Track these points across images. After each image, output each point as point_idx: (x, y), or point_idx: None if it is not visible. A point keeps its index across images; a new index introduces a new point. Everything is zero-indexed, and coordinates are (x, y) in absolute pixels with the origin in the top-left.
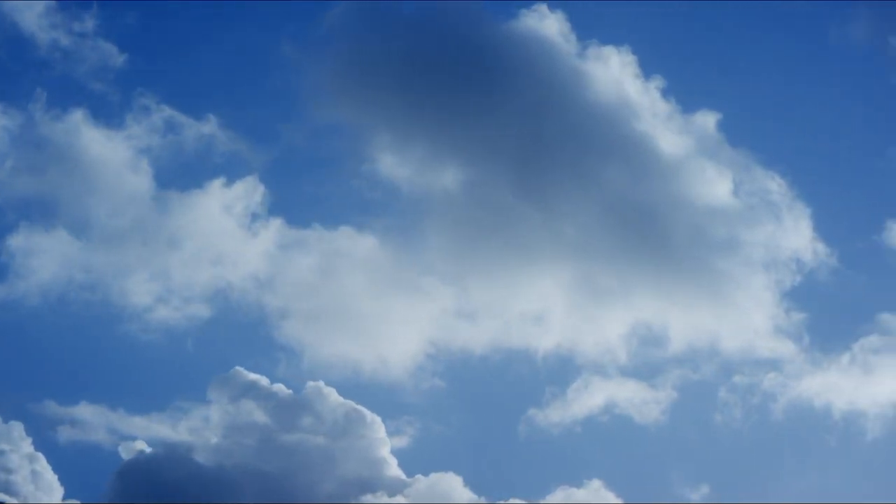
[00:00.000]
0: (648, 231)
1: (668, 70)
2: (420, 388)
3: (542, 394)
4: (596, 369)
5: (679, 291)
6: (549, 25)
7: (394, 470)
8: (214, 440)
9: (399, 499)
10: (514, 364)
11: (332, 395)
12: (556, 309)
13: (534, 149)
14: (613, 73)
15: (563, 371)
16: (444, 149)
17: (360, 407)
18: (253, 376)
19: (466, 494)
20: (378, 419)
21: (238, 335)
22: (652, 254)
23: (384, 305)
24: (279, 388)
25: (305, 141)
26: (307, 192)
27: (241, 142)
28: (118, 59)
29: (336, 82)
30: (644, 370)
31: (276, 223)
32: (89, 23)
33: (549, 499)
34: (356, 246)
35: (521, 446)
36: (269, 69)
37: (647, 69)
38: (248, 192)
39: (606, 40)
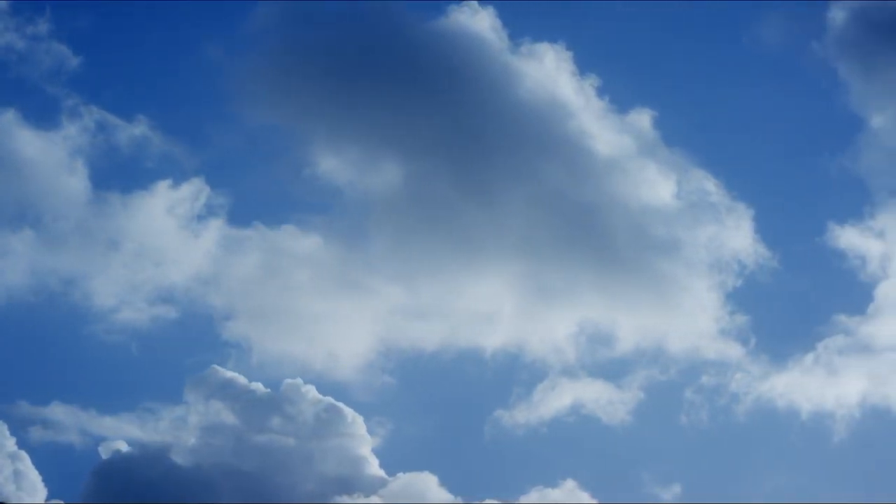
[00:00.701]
0: (590, 231)
1: (603, 68)
2: (372, 387)
3: (492, 392)
4: (546, 369)
5: (624, 291)
6: (480, 22)
7: (374, 468)
8: (191, 439)
9: (374, 499)
10: (465, 363)
11: (311, 392)
12: (505, 308)
13: (470, 146)
14: (548, 71)
15: (512, 369)
16: (382, 147)
17: (339, 404)
18: (229, 374)
19: (442, 494)
20: (359, 418)
21: (184, 335)
22: (595, 254)
23: (331, 304)
24: (257, 386)
25: (239, 142)
26: (246, 192)
27: (175, 143)
28: (47, 59)
29: (265, 83)
30: (595, 370)
31: (218, 223)
32: (10, 22)
33: (524, 499)
34: (300, 245)
35: (488, 446)
36: (195, 70)
37: (583, 67)
38: (187, 193)
39: (540, 37)
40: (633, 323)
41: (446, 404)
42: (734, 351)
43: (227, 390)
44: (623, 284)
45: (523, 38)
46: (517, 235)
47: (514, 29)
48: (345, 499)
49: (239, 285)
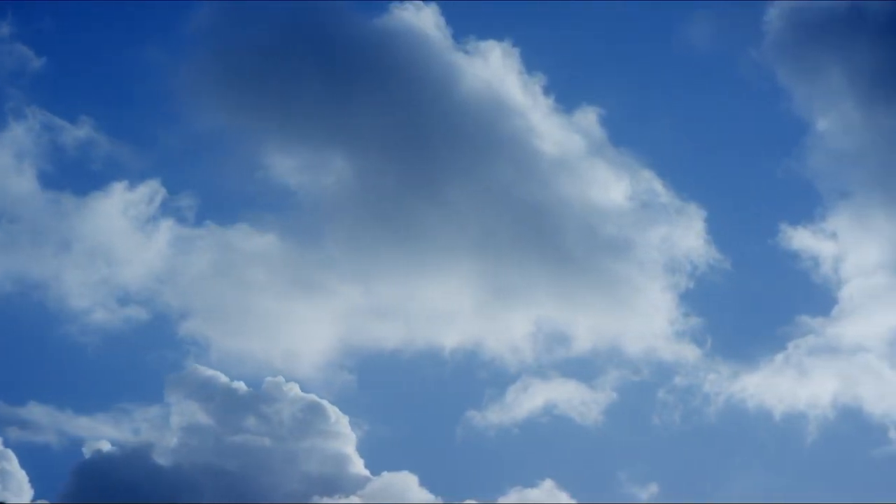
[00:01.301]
0: (542, 230)
1: (549, 67)
2: (333, 386)
3: (458, 391)
4: (506, 368)
5: (579, 292)
6: (424, 20)
7: (358, 468)
8: (172, 439)
9: (354, 499)
10: (425, 362)
11: (294, 390)
12: (462, 306)
13: (418, 145)
14: (494, 69)
15: (472, 368)
16: (330, 145)
17: (322, 401)
18: (210, 373)
19: (423, 494)
20: (344, 417)
21: (144, 335)
22: (549, 254)
23: (288, 303)
24: (239, 385)
25: (186, 142)
26: (196, 192)
27: (121, 144)
28: None
29: (210, 83)
30: (555, 369)
31: (169, 224)
32: None
33: (503, 499)
34: (255, 244)
35: (460, 446)
36: (137, 72)
37: (529, 65)
38: (138, 194)
39: (485, 36)
40: (589, 323)
41: (413, 404)
42: (690, 352)
43: (207, 389)
44: (577, 284)
45: (468, 37)
46: (470, 234)
47: (459, 27)
48: (325, 499)
49: (195, 285)
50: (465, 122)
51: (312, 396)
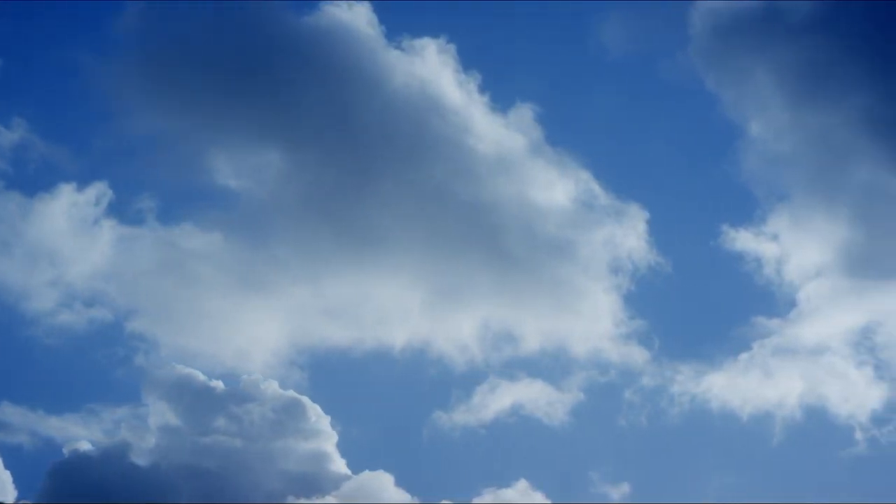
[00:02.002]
0: (484, 230)
1: (484, 65)
2: (286, 385)
3: (407, 390)
4: (453, 368)
5: (523, 292)
6: (356, 18)
7: (337, 466)
8: (149, 438)
9: (329, 498)
10: (375, 361)
11: (272, 387)
12: (410, 306)
13: (355, 143)
14: (429, 66)
15: (421, 367)
16: (268, 144)
17: (302, 397)
18: (186, 371)
19: (400, 494)
20: (326, 418)
21: (91, 336)
22: (492, 254)
23: (237, 302)
24: (216, 383)
25: (123, 143)
26: (134, 193)
27: (56, 147)
28: None
29: (142, 83)
30: (504, 370)
31: (111, 224)
32: None
33: (477, 500)
34: (200, 243)
35: (426, 446)
36: (68, 73)
37: (465, 63)
38: (78, 196)
39: (419, 33)
40: (535, 323)
41: (369, 403)
42: (638, 353)
43: (183, 388)
44: (522, 285)
45: (402, 35)
46: (413, 233)
47: (392, 25)
48: (301, 499)
49: (143, 285)
50: (400, 119)
51: (291, 393)
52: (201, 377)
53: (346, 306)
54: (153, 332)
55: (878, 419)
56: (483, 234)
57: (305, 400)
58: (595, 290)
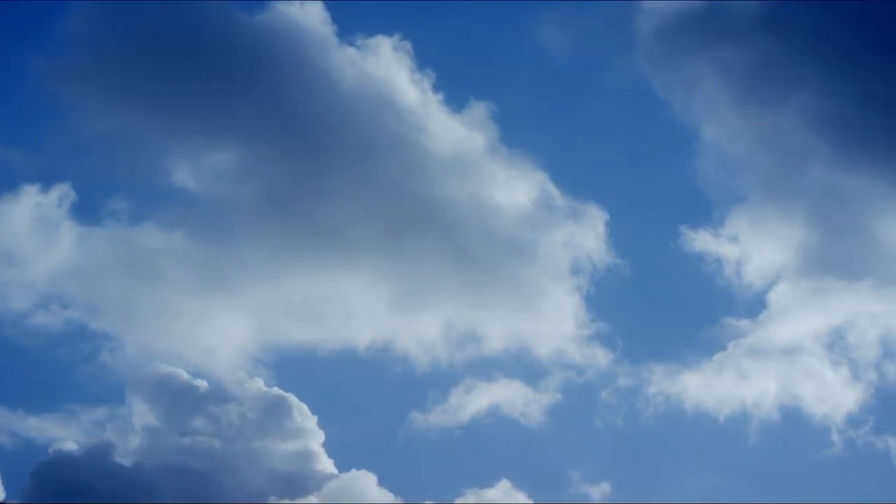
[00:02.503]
0: (443, 230)
1: (439, 63)
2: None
3: (377, 389)
4: (414, 366)
5: (485, 292)
6: (308, 17)
7: (323, 465)
8: (133, 438)
9: (311, 498)
10: (341, 361)
11: (257, 385)
12: (374, 305)
13: (311, 142)
14: (383, 65)
15: (385, 365)
16: (225, 144)
17: (288, 394)
18: (169, 370)
19: (384, 494)
20: (313, 418)
21: (55, 336)
22: (452, 254)
23: (201, 301)
24: (200, 382)
25: (77, 144)
26: (99, 194)
27: (15, 150)
28: None
29: (92, 85)
30: (468, 370)
31: (70, 225)
32: None
33: (460, 500)
34: (162, 242)
35: (401, 446)
36: (14, 74)
37: (420, 62)
38: (36, 197)
39: (373, 32)
40: (498, 324)
41: (345, 403)
42: (602, 354)
43: (167, 387)
44: (483, 285)
45: (355, 33)
46: (372, 232)
47: (345, 23)
48: (285, 500)
49: (105, 284)
50: (353, 117)
51: (276, 391)
52: (185, 376)
53: (310, 304)
54: (118, 331)
55: (854, 420)
56: (443, 234)
57: (292, 398)
58: (557, 290)
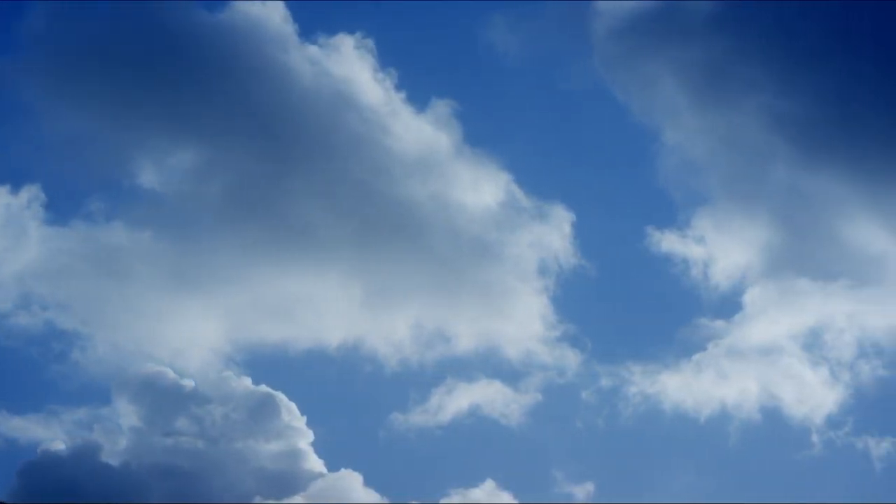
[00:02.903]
0: (408, 230)
1: (402, 63)
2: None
3: (351, 388)
4: (383, 364)
5: (454, 293)
6: (269, 14)
7: (312, 463)
8: (120, 438)
9: (297, 498)
10: (314, 359)
11: (244, 384)
12: (345, 304)
13: (274, 140)
14: (345, 64)
15: (356, 362)
16: (190, 143)
17: (276, 392)
18: (155, 369)
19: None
20: (302, 418)
21: (24, 336)
22: (418, 254)
23: (171, 300)
24: (187, 382)
25: (39, 144)
26: (66, 194)
27: None
28: None
29: (53, 86)
30: (439, 370)
31: (36, 225)
32: None
33: (445, 500)
34: (131, 242)
35: (382, 447)
36: None
37: (383, 61)
38: (6, 198)
39: (335, 30)
40: (467, 324)
41: (316, 402)
42: (571, 355)
43: (153, 386)
44: (452, 285)
45: (317, 32)
46: (338, 232)
47: (306, 22)
48: (270, 499)
49: (75, 284)
50: (314, 116)
51: (266, 388)
52: (171, 375)
53: (282, 303)
54: (89, 331)
55: (834, 421)
56: (410, 234)
57: (280, 396)
58: (524, 291)
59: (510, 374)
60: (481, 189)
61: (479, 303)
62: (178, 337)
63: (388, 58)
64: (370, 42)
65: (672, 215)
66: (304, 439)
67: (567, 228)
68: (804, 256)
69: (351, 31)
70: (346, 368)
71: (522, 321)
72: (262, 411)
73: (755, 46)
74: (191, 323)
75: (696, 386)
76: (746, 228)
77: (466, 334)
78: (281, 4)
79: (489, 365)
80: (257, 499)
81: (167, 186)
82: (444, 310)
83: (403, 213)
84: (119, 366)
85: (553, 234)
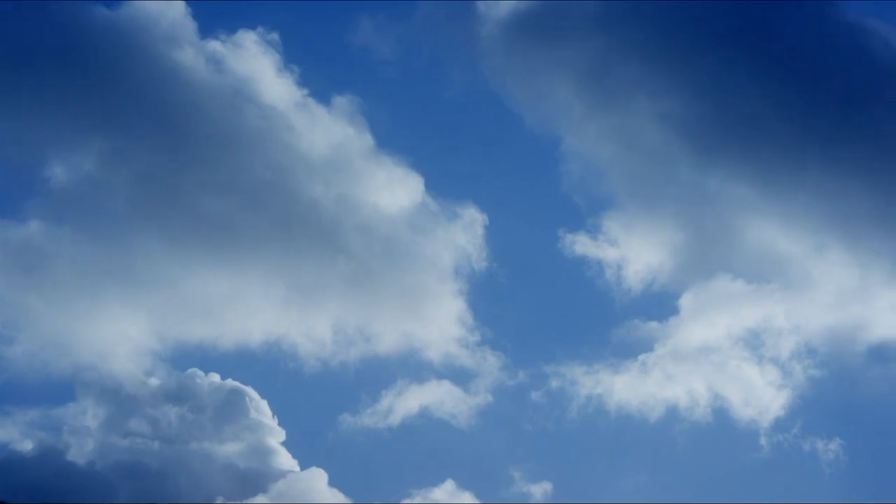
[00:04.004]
0: (320, 228)
1: (305, 59)
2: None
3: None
4: (304, 362)
5: (372, 294)
6: (170, 12)
7: (283, 461)
8: (87, 437)
9: (260, 498)
10: (238, 358)
11: (212, 380)
12: (265, 304)
13: (176, 141)
14: (247, 61)
15: (279, 360)
16: (96, 144)
17: (246, 387)
18: (119, 367)
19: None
20: (272, 412)
21: None
22: (334, 254)
23: (95, 300)
24: (153, 381)
25: None
26: None
27: None
28: None
29: None
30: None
31: None
32: None
33: (407, 500)
34: (50, 241)
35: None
36: None
37: (287, 57)
38: None
39: (234, 28)
40: (387, 325)
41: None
42: (492, 357)
43: (119, 386)
44: (369, 285)
45: (217, 29)
46: (251, 229)
47: (207, 20)
48: (234, 499)
49: None
50: (213, 111)
51: (235, 383)
52: (137, 374)
53: (204, 301)
54: (9, 331)
55: (780, 423)
56: (321, 232)
57: (250, 391)
58: (442, 293)
59: (426, 373)
60: (392, 189)
61: (399, 304)
62: (102, 336)
63: (292, 54)
64: (275, 37)
65: (581, 219)
66: (279, 437)
67: (480, 230)
68: (713, 257)
69: (252, 27)
70: (266, 365)
71: (440, 322)
72: (233, 407)
73: (636, 45)
74: (114, 322)
75: (604, 388)
76: (656, 230)
77: (387, 334)
78: (182, 4)
79: (408, 366)
80: (219, 499)
81: (77, 184)
82: (365, 310)
83: (312, 212)
84: (43, 369)
85: (466, 235)
